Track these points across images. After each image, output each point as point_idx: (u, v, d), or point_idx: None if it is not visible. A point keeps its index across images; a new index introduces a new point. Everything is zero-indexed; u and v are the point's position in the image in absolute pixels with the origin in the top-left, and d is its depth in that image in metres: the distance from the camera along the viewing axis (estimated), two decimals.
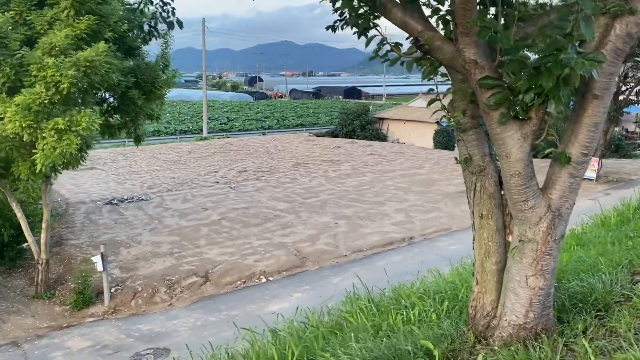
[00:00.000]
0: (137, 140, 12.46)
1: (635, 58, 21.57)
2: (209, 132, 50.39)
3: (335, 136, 44.37)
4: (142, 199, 19.73)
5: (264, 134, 49.07)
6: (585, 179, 23.20)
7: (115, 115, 11.77)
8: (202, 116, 60.38)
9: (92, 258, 11.40)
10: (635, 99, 23.64)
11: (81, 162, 10.05)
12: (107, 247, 14.59)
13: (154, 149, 32.80)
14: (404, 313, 5.80)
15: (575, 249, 7.44)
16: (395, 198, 20.20)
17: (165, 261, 13.61)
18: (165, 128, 52.53)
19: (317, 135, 43.59)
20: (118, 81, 9.85)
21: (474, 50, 3.43)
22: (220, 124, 59.26)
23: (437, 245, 15.02)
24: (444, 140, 38.39)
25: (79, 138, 8.69)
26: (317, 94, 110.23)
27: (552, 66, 3.07)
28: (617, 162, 29.24)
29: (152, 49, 12.68)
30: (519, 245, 3.95)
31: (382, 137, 44.23)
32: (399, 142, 42.60)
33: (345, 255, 14.31)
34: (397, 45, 3.74)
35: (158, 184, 22.40)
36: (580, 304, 4.66)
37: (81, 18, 9.06)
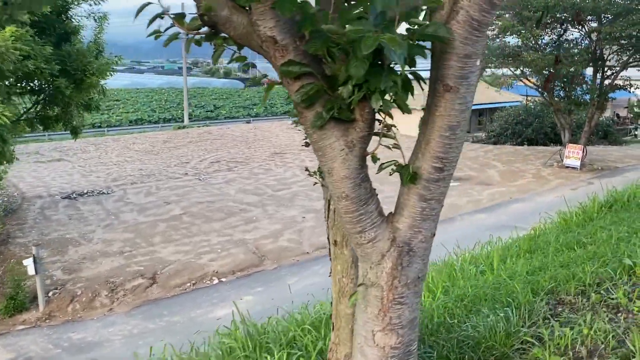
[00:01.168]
0: (74, 133, 11.53)
1: (621, 41, 20.69)
2: (193, 120, 49.32)
3: None
4: (103, 193, 18.80)
5: (248, 122, 47.99)
6: (569, 167, 22.45)
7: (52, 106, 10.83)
8: (189, 103, 59.37)
9: (24, 261, 10.53)
10: (622, 84, 22.79)
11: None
12: (55, 245, 13.78)
13: (128, 139, 31.81)
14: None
15: (516, 260, 6.59)
16: None
17: (114, 261, 12.75)
18: (149, 116, 51.36)
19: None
20: (39, 69, 8.90)
21: (271, 23, 2.29)
22: (207, 111, 58.09)
23: None
24: None
25: None
26: None
27: (356, 45, 2.05)
28: (604, 149, 28.47)
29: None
30: (361, 289, 2.93)
31: None
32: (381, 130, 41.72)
33: (308, 253, 13.47)
34: (180, 17, 2.46)
35: (124, 176, 21.47)
36: (471, 354, 3.69)
37: None
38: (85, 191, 18.93)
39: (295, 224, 15.42)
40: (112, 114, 50.06)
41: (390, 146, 2.82)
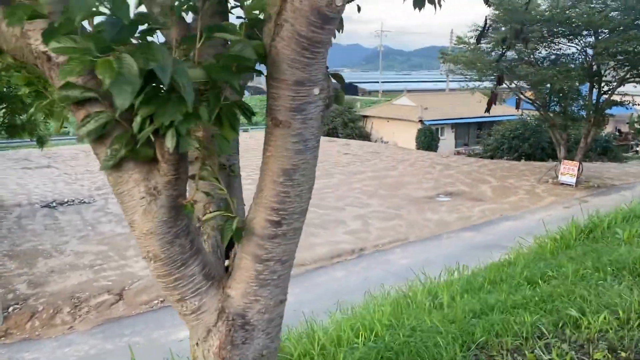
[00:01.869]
0: (40, 142, 11.13)
1: (618, 57, 20.27)
2: None
3: None
4: (85, 202, 18.39)
5: (246, 130, 47.65)
6: (564, 184, 21.94)
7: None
8: None
9: None
10: (620, 100, 22.33)
11: None
12: (25, 257, 13.35)
13: None
14: None
15: (474, 294, 6.08)
16: (357, 203, 18.90)
17: (82, 275, 12.31)
18: None
19: None
20: None
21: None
22: None
23: (388, 259, 13.73)
24: (426, 140, 37.05)
25: None
26: None
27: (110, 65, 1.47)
28: (602, 166, 27.96)
29: None
30: None
31: (366, 136, 42.88)
32: (383, 142, 41.31)
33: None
34: None
35: (107, 185, 20.94)
36: None
37: None
38: (66, 200, 18.53)
39: None
40: None
41: None
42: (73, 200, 18.48)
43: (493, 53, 22.24)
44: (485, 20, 4.43)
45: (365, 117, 44.96)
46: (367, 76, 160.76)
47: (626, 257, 6.25)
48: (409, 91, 49.36)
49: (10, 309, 10.75)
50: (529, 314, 4.49)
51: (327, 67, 1.95)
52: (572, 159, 22.19)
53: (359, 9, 2.76)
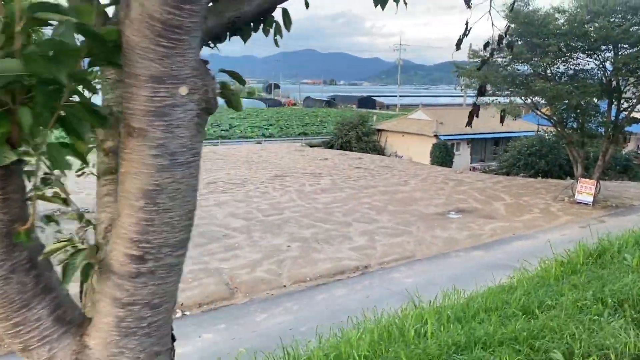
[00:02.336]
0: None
1: (638, 73, 19.62)
2: (206, 139, 49.19)
3: (331, 147, 42.68)
4: (89, 211, 18.19)
5: (259, 142, 47.58)
6: (581, 203, 21.19)
7: None
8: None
9: None
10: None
11: None
12: None
13: None
14: None
15: (468, 320, 5.60)
16: (365, 218, 18.43)
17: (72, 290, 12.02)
18: None
19: (311, 146, 42.00)
20: None
21: None
22: (222, 130, 57.95)
23: (392, 277, 13.23)
24: (441, 155, 36.51)
25: None
26: (331, 102, 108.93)
27: None
28: (621, 185, 27.10)
29: None
30: None
31: (380, 150, 42.45)
32: (397, 156, 40.84)
33: (285, 286, 12.58)
34: None
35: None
36: None
37: None
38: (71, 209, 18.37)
39: (278, 252, 14.57)
40: None
41: None
42: (77, 210, 18.31)
43: (508, 68, 21.76)
44: (467, 24, 4.03)
45: (380, 131, 44.57)
46: (386, 90, 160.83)
47: (630, 288, 5.74)
48: (424, 105, 48.93)
49: None
50: (514, 353, 4.02)
51: (205, 62, 1.56)
52: (590, 177, 21.47)
53: (307, 4, 2.39)
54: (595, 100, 20.48)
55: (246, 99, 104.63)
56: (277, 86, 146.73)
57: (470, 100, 47.56)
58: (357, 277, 13.33)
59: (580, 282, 6.33)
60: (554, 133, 25.31)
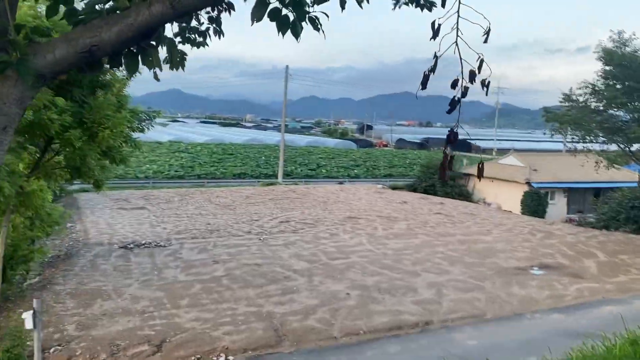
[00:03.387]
0: (97, 186, 11.32)
1: None
2: (293, 178, 49.98)
3: (414, 190, 41.51)
4: (160, 245, 18.73)
5: (341, 182, 47.38)
6: None
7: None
8: (295, 160, 60.94)
9: (23, 314, 10.16)
10: None
11: None
12: (85, 297, 13.57)
13: (213, 192, 32.39)
14: None
15: None
16: (436, 269, 17.31)
17: (130, 321, 12.14)
18: (251, 171, 52.77)
19: (393, 188, 41.08)
20: (50, 119, 8.78)
21: None
22: (309, 169, 58.64)
23: (454, 337, 12.09)
24: (532, 204, 34.13)
25: None
26: (423, 144, 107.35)
27: None
28: None
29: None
30: None
31: (466, 195, 40.58)
32: (485, 203, 38.81)
33: (335, 338, 11.89)
34: None
35: (189, 230, 21.43)
36: None
37: None
38: (143, 242, 19.01)
39: (335, 300, 13.93)
40: (220, 166, 52.21)
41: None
42: (150, 243, 18.90)
43: (604, 113, 20.01)
44: (436, 59, 3.40)
45: (467, 175, 42.74)
46: (484, 133, 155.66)
47: None
48: (516, 150, 46.50)
49: (52, 349, 10.73)
50: None
51: None
52: None
53: None
54: None
55: (338, 139, 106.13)
56: (370, 127, 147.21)
57: (570, 147, 44.49)
58: (415, 334, 12.33)
59: None
60: None
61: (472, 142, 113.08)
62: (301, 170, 56.60)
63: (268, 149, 68.28)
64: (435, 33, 3.11)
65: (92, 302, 13.17)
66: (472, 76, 3.23)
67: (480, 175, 3.59)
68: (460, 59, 3.15)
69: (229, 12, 4.29)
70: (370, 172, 60.23)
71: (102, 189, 11.62)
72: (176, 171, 46.50)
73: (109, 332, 11.53)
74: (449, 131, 3.35)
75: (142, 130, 12.12)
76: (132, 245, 18.54)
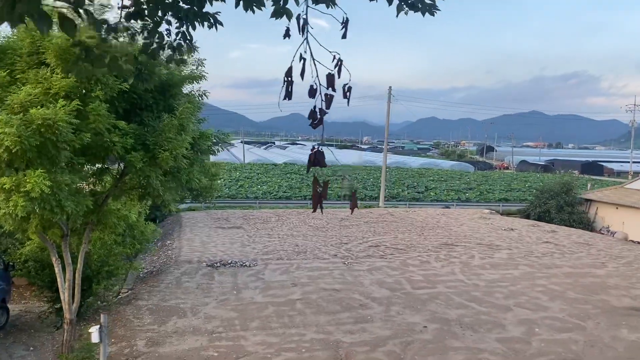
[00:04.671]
0: (164, 206, 11.65)
1: None
2: (398, 200, 49.05)
3: (527, 216, 38.56)
4: (245, 265, 19.00)
5: (447, 207, 45.38)
6: None
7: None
8: (403, 183, 60.04)
9: (90, 328, 10.65)
10: None
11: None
12: (163, 314, 14.03)
13: (308, 214, 32.50)
14: None
15: None
16: (531, 304, 15.64)
17: (197, 341, 12.27)
18: (357, 193, 52.62)
19: (502, 214, 38.47)
20: (111, 142, 9.23)
21: None
22: (417, 192, 57.18)
23: None
24: None
25: (24, 199, 8.11)
26: (548, 167, 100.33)
27: None
28: None
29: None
30: None
31: (586, 223, 36.84)
32: (608, 231, 34.99)
33: None
34: None
35: (276, 251, 21.57)
36: None
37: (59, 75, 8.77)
38: (230, 261, 19.42)
39: (409, 332, 13.05)
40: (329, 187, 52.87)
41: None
42: (236, 262, 19.26)
43: None
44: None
45: (589, 201, 38.87)
46: (621, 155, 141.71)
47: None
48: None
49: None
50: None
51: None
52: None
53: None
54: None
55: (454, 162, 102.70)
56: (491, 149, 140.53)
57: None
58: None
59: None
60: None
61: (605, 164, 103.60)
62: (409, 193, 55.31)
63: (379, 171, 67.89)
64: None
65: (167, 319, 13.56)
66: (331, 81, 2.61)
67: (315, 206, 2.83)
68: (313, 59, 2.56)
69: (194, 28, 4.05)
70: (484, 195, 57.08)
71: (168, 208, 12.01)
72: (284, 192, 47.73)
73: (175, 351, 11.73)
74: (311, 149, 2.74)
75: (213, 153, 12.37)
76: (218, 265, 19.03)
